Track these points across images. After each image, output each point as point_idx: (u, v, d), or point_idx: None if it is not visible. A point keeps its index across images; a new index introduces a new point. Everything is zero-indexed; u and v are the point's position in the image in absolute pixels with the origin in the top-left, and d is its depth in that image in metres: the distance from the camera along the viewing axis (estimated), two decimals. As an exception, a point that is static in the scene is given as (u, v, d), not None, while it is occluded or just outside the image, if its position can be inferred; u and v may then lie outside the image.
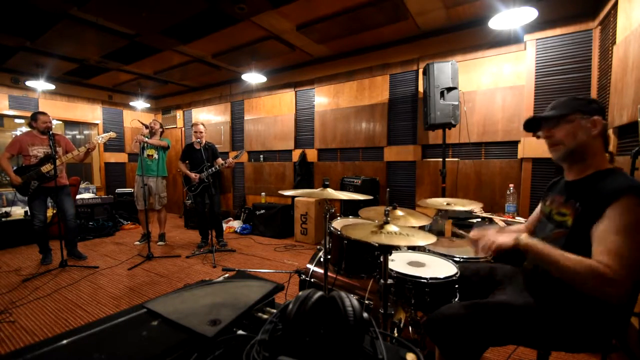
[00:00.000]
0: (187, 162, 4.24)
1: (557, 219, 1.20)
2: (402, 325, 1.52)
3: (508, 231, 1.49)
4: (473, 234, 1.41)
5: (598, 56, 2.87)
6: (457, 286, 1.52)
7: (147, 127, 4.09)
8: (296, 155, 5.13)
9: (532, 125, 1.27)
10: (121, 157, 6.86)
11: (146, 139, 4.02)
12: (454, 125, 3.25)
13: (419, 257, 1.78)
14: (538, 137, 1.29)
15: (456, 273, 1.52)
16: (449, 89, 3.19)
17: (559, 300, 1.10)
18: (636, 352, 1.66)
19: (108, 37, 3.79)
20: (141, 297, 2.73)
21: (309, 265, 2.04)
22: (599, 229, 1.01)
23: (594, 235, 1.02)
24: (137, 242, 4.46)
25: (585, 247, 1.04)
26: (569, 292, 1.05)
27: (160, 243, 4.39)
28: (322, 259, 1.97)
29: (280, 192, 1.72)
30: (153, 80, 5.82)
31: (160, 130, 4.36)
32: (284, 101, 5.27)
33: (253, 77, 4.68)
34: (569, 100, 1.19)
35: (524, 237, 1.11)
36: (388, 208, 1.44)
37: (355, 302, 0.66)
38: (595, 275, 0.95)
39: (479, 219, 2.96)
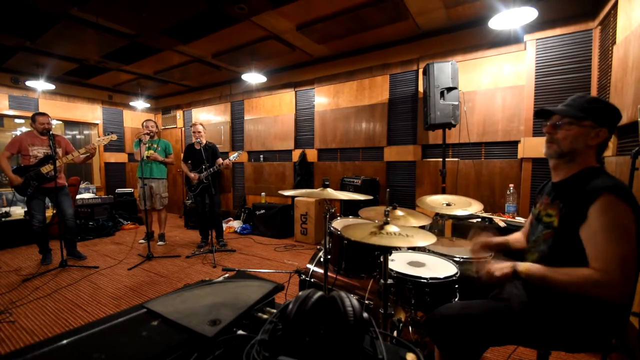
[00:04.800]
0: (189, 162, 4.25)
1: (545, 220, 1.21)
2: (402, 325, 1.53)
3: (504, 242, 1.46)
4: (472, 246, 1.41)
5: (598, 56, 2.87)
6: (457, 286, 1.52)
7: (149, 134, 4.14)
8: (296, 155, 5.13)
9: (543, 114, 1.24)
10: (121, 157, 6.86)
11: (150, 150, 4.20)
12: (454, 125, 3.25)
13: (419, 257, 1.78)
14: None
15: (456, 273, 1.52)
16: (449, 89, 3.19)
17: (556, 299, 1.11)
18: (636, 352, 1.66)
19: (108, 37, 3.79)
20: (141, 297, 2.73)
21: (309, 265, 2.04)
22: (585, 232, 1.03)
23: (582, 238, 1.04)
24: (142, 241, 4.46)
25: (572, 246, 1.06)
26: (565, 292, 1.06)
27: (160, 243, 4.40)
28: (322, 259, 1.97)
29: (280, 192, 1.72)
30: (153, 80, 5.82)
31: (156, 131, 4.35)
32: (284, 101, 5.27)
33: (253, 77, 4.68)
34: (586, 101, 1.15)
35: (521, 266, 1.11)
36: (388, 208, 1.44)
37: (355, 302, 0.66)
38: (593, 283, 0.97)
39: (479, 219, 2.96)
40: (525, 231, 1.47)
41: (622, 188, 1.01)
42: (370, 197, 1.74)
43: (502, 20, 2.70)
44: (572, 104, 1.17)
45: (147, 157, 4.17)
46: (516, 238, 1.46)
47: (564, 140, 1.15)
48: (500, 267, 1.15)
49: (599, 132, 1.11)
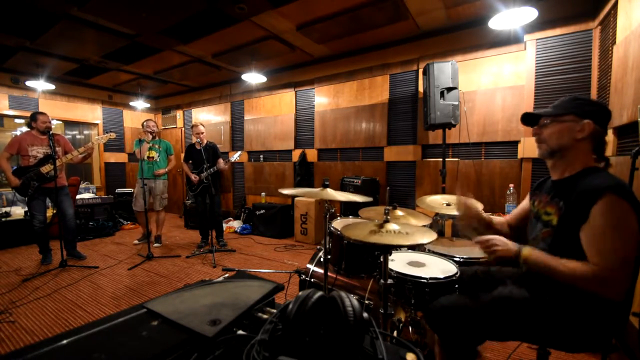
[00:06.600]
0: (189, 162, 4.25)
1: (544, 219, 1.21)
2: (402, 325, 1.52)
3: (489, 221, 1.51)
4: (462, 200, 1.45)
5: (598, 56, 2.87)
6: (457, 286, 1.52)
7: (151, 133, 4.15)
8: (296, 155, 5.13)
9: (529, 120, 1.28)
10: (121, 157, 6.86)
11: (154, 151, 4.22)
12: (454, 125, 3.25)
13: (419, 257, 1.78)
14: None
15: (456, 273, 1.52)
16: (449, 89, 3.19)
17: (556, 298, 1.11)
18: (636, 352, 1.66)
19: (108, 37, 3.79)
20: (141, 297, 2.73)
21: (309, 265, 2.04)
22: (587, 231, 1.03)
23: (583, 237, 1.04)
24: (137, 241, 4.46)
25: (571, 245, 1.06)
26: (565, 289, 1.06)
27: (156, 245, 4.33)
28: (322, 259, 1.97)
29: (279, 190, 1.73)
30: (153, 80, 5.82)
31: (157, 130, 4.34)
32: (284, 101, 5.27)
33: (253, 77, 4.68)
34: (568, 100, 1.19)
35: (525, 250, 1.11)
36: (388, 208, 1.44)
37: (355, 302, 0.66)
38: (592, 277, 0.98)
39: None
40: (510, 219, 1.50)
41: (624, 187, 1.02)
42: (370, 199, 1.74)
43: (502, 20, 2.70)
44: (555, 104, 1.22)
45: (150, 157, 4.17)
46: (499, 221, 1.52)
47: (550, 138, 1.18)
48: (505, 243, 1.16)
49: (583, 125, 1.12)
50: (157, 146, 4.26)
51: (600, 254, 0.99)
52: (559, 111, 1.18)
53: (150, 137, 4.14)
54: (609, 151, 2.38)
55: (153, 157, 4.22)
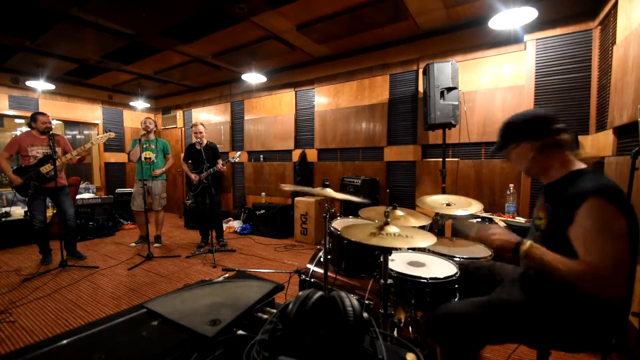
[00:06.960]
0: (189, 162, 4.25)
1: (536, 223, 1.23)
2: (402, 325, 1.52)
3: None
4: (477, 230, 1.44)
5: (598, 56, 2.87)
6: (456, 286, 1.52)
7: (145, 130, 4.12)
8: (296, 155, 5.13)
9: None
10: (121, 157, 6.85)
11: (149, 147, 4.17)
12: (454, 125, 3.25)
13: (419, 257, 1.78)
14: None
15: (456, 273, 1.52)
16: (449, 89, 3.19)
17: (555, 299, 1.10)
18: (636, 352, 1.66)
19: (108, 37, 3.79)
20: (141, 297, 2.73)
21: (309, 265, 2.04)
22: (574, 233, 1.03)
23: (571, 239, 1.04)
24: (133, 244, 4.38)
25: (559, 249, 1.06)
26: (563, 291, 1.06)
27: (156, 245, 4.31)
28: (322, 259, 1.97)
29: (281, 185, 1.75)
30: (153, 80, 5.82)
31: (155, 129, 4.29)
32: (284, 101, 5.27)
33: (253, 77, 4.68)
34: (503, 129, 1.27)
35: (526, 244, 1.11)
36: (388, 208, 1.44)
37: (355, 302, 0.66)
38: (586, 274, 0.97)
39: (479, 219, 2.96)
40: None
41: (607, 190, 1.01)
42: (369, 202, 1.76)
43: (502, 20, 2.70)
44: (498, 137, 1.31)
45: (146, 158, 4.15)
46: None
47: (516, 165, 1.28)
48: (504, 232, 1.16)
49: (524, 147, 1.19)
50: (153, 146, 4.22)
51: (590, 254, 0.98)
52: (501, 145, 1.27)
53: (144, 136, 4.06)
54: (609, 151, 2.38)
55: (150, 158, 4.18)
